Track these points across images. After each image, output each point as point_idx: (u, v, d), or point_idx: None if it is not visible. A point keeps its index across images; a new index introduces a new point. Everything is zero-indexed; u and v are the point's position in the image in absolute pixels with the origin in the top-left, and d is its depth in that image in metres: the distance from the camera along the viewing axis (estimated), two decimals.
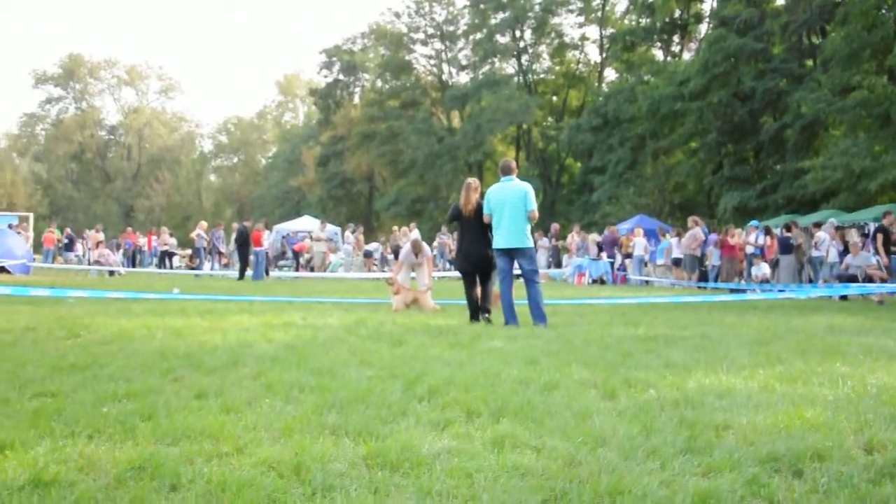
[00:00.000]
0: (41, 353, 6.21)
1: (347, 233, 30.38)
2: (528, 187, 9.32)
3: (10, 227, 29.73)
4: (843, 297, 15.87)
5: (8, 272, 23.09)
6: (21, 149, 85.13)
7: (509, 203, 9.19)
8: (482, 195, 9.68)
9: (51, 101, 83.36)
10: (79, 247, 32.10)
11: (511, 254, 9.33)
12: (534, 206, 9.25)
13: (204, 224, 29.67)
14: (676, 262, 23.12)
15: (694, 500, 2.87)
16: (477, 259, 9.81)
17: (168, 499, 2.86)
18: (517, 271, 9.61)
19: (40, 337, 7.34)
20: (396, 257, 27.19)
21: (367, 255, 28.86)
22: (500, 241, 9.28)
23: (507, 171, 9.48)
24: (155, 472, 3.11)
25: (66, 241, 32.24)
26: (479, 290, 9.95)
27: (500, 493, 2.92)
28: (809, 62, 33.47)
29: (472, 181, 9.99)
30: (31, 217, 37.67)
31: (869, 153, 24.58)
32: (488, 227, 9.50)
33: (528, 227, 9.28)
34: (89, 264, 26.24)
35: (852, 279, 16.41)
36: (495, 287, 10.09)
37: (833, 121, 29.31)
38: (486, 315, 9.71)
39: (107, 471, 3.14)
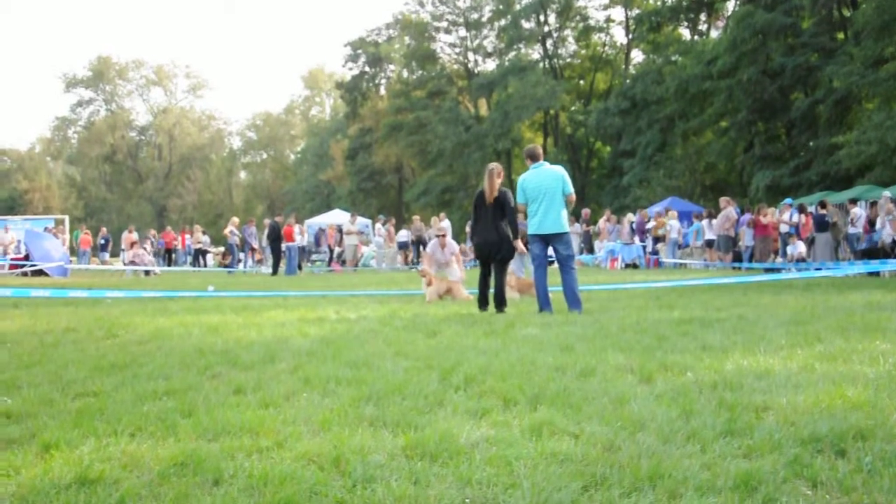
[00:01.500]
0: (82, 354, 6.30)
1: (378, 225, 30.44)
2: (563, 171, 9.26)
3: (45, 229, 30.27)
4: (873, 274, 15.62)
5: (46, 275, 23.44)
6: (55, 152, 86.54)
7: (548, 189, 9.11)
8: (511, 182, 9.61)
9: (81, 105, 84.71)
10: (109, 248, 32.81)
11: (548, 239, 9.26)
12: (571, 189, 9.21)
13: (236, 221, 29.88)
14: (710, 244, 22.93)
15: (735, 483, 2.84)
16: (486, 246, 9.52)
17: (211, 494, 2.89)
18: (550, 258, 9.55)
19: (80, 337, 7.43)
20: (416, 245, 27.34)
21: (403, 246, 28.88)
22: (537, 226, 9.20)
23: (535, 158, 9.38)
24: (197, 467, 3.14)
25: (102, 242, 32.75)
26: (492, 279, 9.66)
27: (539, 479, 2.92)
28: (840, 35, 32.75)
29: (495, 166, 9.67)
30: (66, 220, 38.31)
31: None
32: (523, 215, 9.43)
33: (565, 212, 9.23)
34: (124, 265, 26.55)
35: (872, 253, 16.14)
36: (510, 274, 9.94)
37: (866, 94, 28.80)
38: (503, 309, 9.40)
39: (150, 468, 3.18)
